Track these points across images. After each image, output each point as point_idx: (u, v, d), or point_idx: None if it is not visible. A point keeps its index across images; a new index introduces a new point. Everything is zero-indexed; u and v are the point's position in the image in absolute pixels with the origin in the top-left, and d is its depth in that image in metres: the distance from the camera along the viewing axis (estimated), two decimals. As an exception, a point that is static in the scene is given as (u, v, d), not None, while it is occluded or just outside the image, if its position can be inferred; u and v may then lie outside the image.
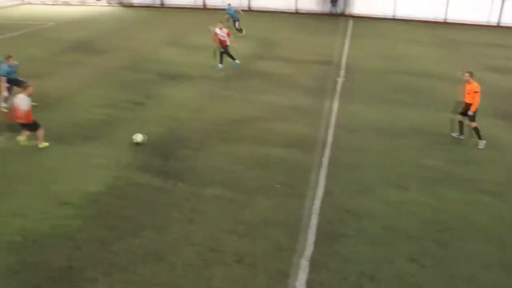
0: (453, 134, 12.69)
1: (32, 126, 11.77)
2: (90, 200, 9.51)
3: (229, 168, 10.78)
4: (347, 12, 33.22)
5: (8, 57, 14.27)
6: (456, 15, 31.46)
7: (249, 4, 34.60)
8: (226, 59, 18.89)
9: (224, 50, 18.80)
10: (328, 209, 9.15)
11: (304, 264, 7.64)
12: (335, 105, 14.99)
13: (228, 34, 18.61)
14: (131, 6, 37.09)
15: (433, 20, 31.69)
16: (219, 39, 18.64)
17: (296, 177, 10.43)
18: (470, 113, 12.02)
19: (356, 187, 10.04)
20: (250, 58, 20.90)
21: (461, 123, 12.53)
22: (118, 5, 37.87)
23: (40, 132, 11.82)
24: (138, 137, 12.01)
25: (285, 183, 10.14)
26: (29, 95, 11.60)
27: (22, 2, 39.52)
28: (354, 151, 11.80)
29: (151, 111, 14.44)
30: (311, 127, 13.24)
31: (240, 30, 26.28)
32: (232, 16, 26.63)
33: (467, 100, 12.16)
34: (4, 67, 14.10)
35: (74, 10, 36.18)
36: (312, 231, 8.49)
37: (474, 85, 11.95)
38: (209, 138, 12.41)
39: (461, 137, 12.58)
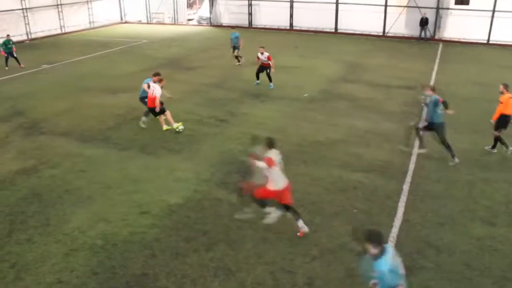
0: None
1: (157, 112, 14.03)
2: (169, 211, 9.85)
3: (306, 190, 10.72)
4: (437, 36, 32.16)
5: (155, 74, 14.39)
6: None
7: (335, 26, 34.53)
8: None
9: (263, 70, 19.51)
10: (406, 239, 8.82)
11: (377, 294, 7.38)
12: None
13: (269, 58, 19.09)
14: (220, 26, 38.32)
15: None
16: (262, 63, 19.39)
17: (374, 203, 10.16)
18: (491, 121, 12.69)
19: (437, 218, 9.57)
20: (336, 81, 20.77)
21: (496, 139, 12.89)
22: (207, 25, 39.28)
23: (168, 115, 14.12)
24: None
25: (363, 209, 9.91)
26: (162, 86, 13.93)
27: (121, 22, 42.16)
28: (438, 180, 11.28)
29: (234, 128, 14.76)
30: (393, 153, 12.86)
31: (238, 58, 24.44)
32: (233, 42, 24.27)
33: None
34: (148, 80, 14.70)
35: (167, 29, 38.01)
36: (388, 260, 8.19)
37: (503, 97, 12.40)
38: (288, 158, 12.36)
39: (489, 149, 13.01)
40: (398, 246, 8.53)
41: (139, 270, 8.05)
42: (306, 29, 35.07)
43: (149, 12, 42.06)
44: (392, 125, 15.02)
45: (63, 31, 36.31)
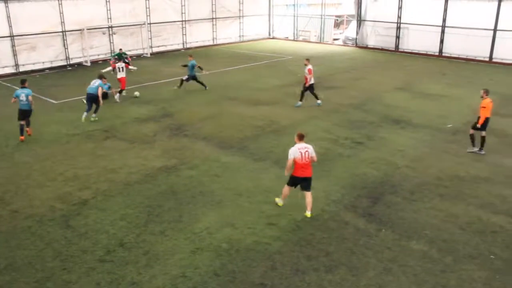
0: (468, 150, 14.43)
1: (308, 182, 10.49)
2: (295, 226, 9.92)
3: (440, 226, 10.06)
4: None
5: None
6: None
7: (491, 55, 32.13)
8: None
9: (305, 88, 19.22)
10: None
11: None
12: None
13: (309, 72, 18.77)
14: (365, 47, 37.87)
15: None
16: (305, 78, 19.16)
17: (517, 252, 9.19)
18: (477, 125, 14.20)
19: None
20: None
21: (472, 136, 14.53)
22: (353, 45, 39.06)
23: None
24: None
25: (503, 257, 8.99)
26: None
27: (268, 37, 43.77)
28: None
29: (369, 152, 14.40)
30: (546, 199, 11.52)
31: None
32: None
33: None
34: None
35: (312, 47, 38.48)
36: (527, 319, 7.35)
37: (483, 101, 14.01)
38: (423, 190, 11.80)
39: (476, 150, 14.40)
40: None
41: (258, 279, 8.20)
42: (456, 56, 33.15)
43: (296, 30, 43.05)
44: (547, 168, 13.49)
45: (214, 43, 38.79)
